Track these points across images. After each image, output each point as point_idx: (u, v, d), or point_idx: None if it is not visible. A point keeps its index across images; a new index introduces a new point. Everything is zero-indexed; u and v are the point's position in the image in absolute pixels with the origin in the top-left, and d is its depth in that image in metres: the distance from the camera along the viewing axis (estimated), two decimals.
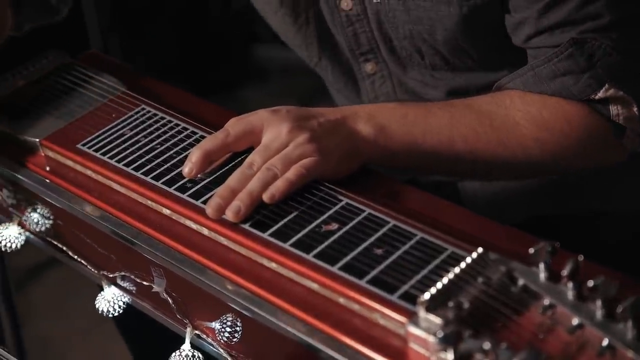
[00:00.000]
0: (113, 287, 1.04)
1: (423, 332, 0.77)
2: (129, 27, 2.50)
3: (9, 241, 1.12)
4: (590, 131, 1.02)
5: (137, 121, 1.06)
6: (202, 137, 1.02)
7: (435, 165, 1.03)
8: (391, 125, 0.99)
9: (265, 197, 0.92)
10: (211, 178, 0.97)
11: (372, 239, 0.87)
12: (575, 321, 0.75)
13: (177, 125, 1.05)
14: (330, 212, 0.90)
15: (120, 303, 1.04)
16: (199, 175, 0.97)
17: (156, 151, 1.02)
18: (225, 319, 0.93)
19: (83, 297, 2.19)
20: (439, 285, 0.79)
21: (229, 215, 0.92)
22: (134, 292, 1.03)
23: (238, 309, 0.88)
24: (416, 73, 1.11)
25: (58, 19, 1.23)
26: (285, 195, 0.92)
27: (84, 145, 1.05)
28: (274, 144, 0.96)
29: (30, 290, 2.18)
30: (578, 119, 1.01)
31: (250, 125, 0.98)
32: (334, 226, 0.89)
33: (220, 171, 0.98)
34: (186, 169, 0.97)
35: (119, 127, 1.07)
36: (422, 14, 1.04)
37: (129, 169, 1.00)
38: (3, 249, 1.12)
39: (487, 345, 0.71)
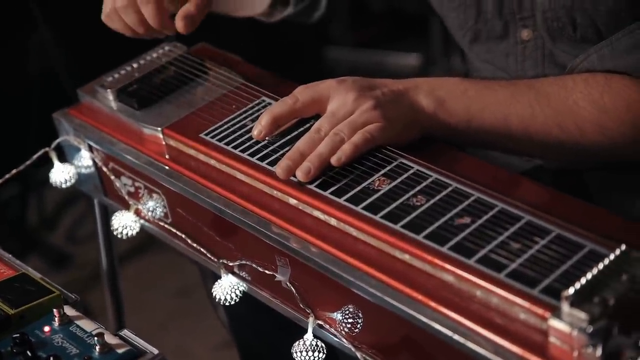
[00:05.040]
0: (230, 276, 1.05)
1: (567, 326, 0.77)
2: (206, 27, 2.53)
3: (124, 227, 1.14)
4: None
5: (259, 112, 1.07)
6: None
7: (491, 142, 1.05)
8: (451, 100, 1.03)
9: (333, 160, 0.97)
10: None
11: (508, 233, 0.87)
12: None
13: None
14: (462, 205, 0.91)
15: (238, 292, 1.05)
16: (267, 139, 1.03)
17: (280, 142, 1.03)
18: (347, 309, 0.94)
19: (161, 291, 2.24)
20: (583, 280, 0.79)
21: (299, 175, 0.97)
22: (251, 280, 1.04)
23: (372, 300, 0.88)
24: (565, 45, 1.11)
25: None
26: (351, 159, 0.97)
27: (206, 134, 1.06)
28: (341, 111, 1.01)
29: None
30: None
31: (317, 93, 1.05)
32: (467, 220, 0.89)
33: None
34: (255, 132, 1.03)
35: (241, 117, 1.08)
36: None
37: (253, 159, 1.01)
38: (119, 236, 1.14)
39: None
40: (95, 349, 0.91)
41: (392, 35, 2.96)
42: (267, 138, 1.03)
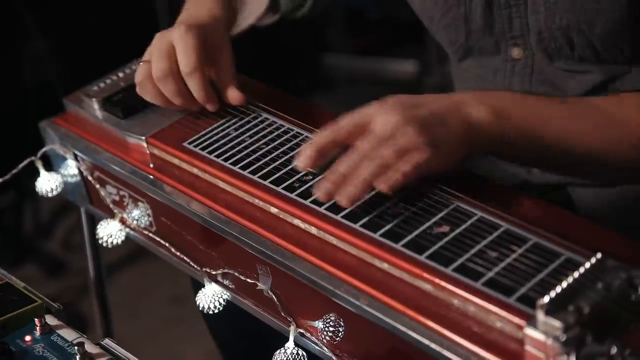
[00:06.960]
0: (214, 285, 1.05)
1: (542, 335, 0.77)
2: None
3: (110, 236, 1.14)
4: None
5: (242, 121, 1.08)
6: (308, 137, 1.04)
7: (548, 159, 1.01)
8: (508, 108, 0.97)
9: (384, 187, 0.92)
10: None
11: (486, 241, 0.87)
12: None
13: (282, 125, 1.07)
14: (441, 214, 0.91)
15: (221, 300, 1.05)
16: (257, 152, 1.01)
17: (262, 151, 1.03)
18: (328, 318, 0.94)
19: (154, 298, 2.24)
20: (558, 289, 0.79)
21: (343, 201, 0.93)
22: (234, 289, 1.04)
23: (350, 308, 0.89)
24: (563, 64, 1.10)
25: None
26: (400, 187, 0.92)
27: (189, 143, 1.07)
28: (383, 134, 0.94)
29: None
30: None
31: (360, 119, 0.97)
32: (446, 228, 0.89)
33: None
34: (301, 165, 0.97)
35: (224, 127, 1.08)
36: (588, 5, 1.02)
37: (236, 168, 1.02)
38: (104, 245, 1.15)
39: (614, 350, 0.71)
40: (76, 358, 0.92)
41: (388, 42, 2.97)
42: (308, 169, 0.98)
